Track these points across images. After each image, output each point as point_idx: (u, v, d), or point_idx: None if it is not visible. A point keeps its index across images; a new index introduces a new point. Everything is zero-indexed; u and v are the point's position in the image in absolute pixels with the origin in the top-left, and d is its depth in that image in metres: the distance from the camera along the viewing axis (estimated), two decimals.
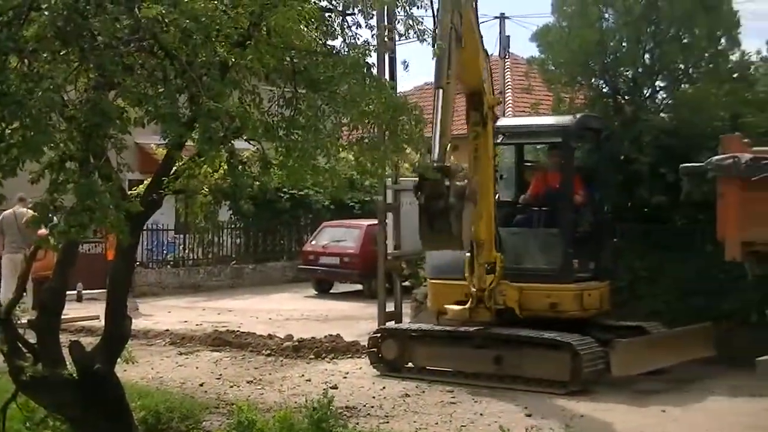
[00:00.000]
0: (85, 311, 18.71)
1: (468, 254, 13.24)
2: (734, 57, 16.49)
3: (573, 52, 15.66)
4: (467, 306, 13.35)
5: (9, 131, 6.29)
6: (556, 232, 13.73)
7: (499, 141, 13.91)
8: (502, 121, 14.62)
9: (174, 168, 7.82)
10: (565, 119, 14.57)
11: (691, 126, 14.87)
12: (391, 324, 15.75)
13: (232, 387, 13.15)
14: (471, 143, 13.13)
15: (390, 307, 16.53)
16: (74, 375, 8.18)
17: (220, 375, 13.98)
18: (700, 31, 15.41)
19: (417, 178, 11.66)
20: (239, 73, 7.27)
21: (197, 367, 14.56)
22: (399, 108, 8.62)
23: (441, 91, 11.53)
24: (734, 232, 10.37)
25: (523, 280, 13.40)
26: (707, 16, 15.35)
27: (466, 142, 13.24)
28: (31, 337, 8.40)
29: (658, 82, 16.55)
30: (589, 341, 12.75)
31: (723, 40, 15.84)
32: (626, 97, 16.09)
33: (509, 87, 36.49)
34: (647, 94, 16.39)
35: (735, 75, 16.18)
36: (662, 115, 16.27)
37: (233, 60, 6.97)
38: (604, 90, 16.35)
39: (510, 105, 35.37)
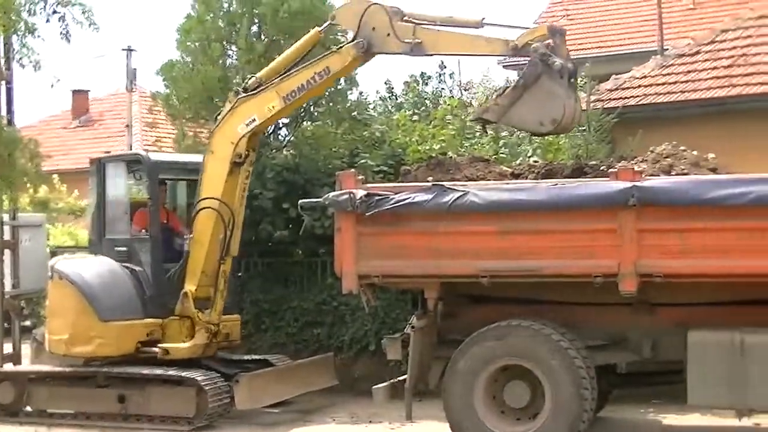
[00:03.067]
0: None
1: (190, 289, 13.07)
2: (353, 96, 17.13)
3: (197, 88, 15.71)
4: (200, 342, 13.10)
5: None
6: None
7: (164, 177, 13.82)
8: (159, 156, 14.43)
9: None
10: None
11: (311, 162, 15.30)
12: (8, 366, 15.07)
13: None
14: (242, 183, 13.06)
15: (8, 348, 15.82)
16: None
17: None
18: None
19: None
20: None
21: None
22: (13, 142, 8.35)
23: None
24: (350, 266, 10.75)
25: None
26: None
27: None
28: None
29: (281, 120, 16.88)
30: (213, 376, 12.75)
31: (342, 80, 16.40)
32: None
33: (137, 120, 36.11)
34: (270, 131, 16.69)
35: (353, 114, 16.79)
36: (285, 151, 16.63)
37: None
38: None
39: (138, 139, 35.02)
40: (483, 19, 11.98)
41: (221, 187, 12.89)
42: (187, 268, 13.15)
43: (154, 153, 14.76)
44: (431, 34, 11.88)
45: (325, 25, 12.74)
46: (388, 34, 11.89)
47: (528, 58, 11.15)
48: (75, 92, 43.51)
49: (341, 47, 12.40)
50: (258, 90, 12.67)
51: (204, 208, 12.93)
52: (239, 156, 12.77)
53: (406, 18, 11.96)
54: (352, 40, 12.13)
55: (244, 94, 12.71)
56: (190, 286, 13.12)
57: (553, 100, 11.00)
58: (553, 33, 11.26)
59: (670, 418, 12.41)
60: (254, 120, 12.66)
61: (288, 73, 12.62)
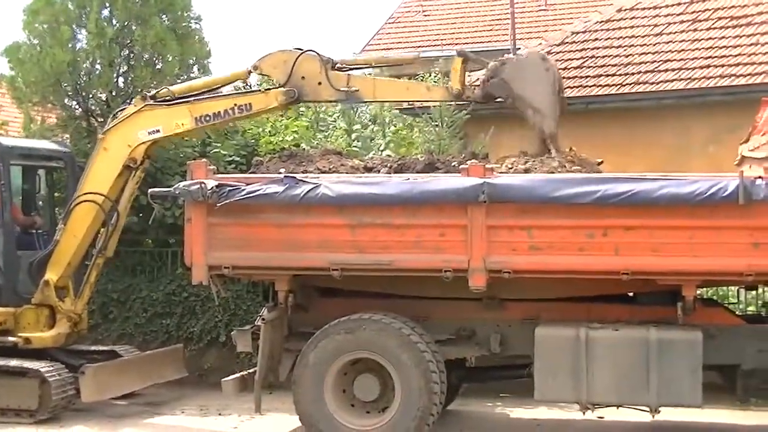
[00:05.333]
0: None
1: (51, 277, 12.74)
2: None
3: (44, 72, 15.28)
4: (63, 331, 12.90)
5: None
6: None
7: (14, 163, 13.41)
8: (10, 141, 13.95)
9: None
10: (59, 144, 14.45)
11: (162, 150, 15.07)
12: None
13: None
14: (132, 187, 12.80)
15: None
16: None
17: None
18: (173, 57, 15.69)
19: None
20: None
21: None
22: None
23: None
24: (201, 256, 10.64)
25: None
26: (179, 43, 15.68)
27: None
28: None
29: None
30: (58, 367, 12.46)
31: (195, 68, 16.25)
32: (99, 120, 15.98)
33: None
34: None
35: None
36: None
37: None
38: (77, 111, 16.14)
39: None
40: (418, 55, 12.66)
41: (108, 185, 12.56)
42: (52, 257, 12.85)
43: (4, 138, 14.29)
44: (368, 82, 11.92)
45: (248, 74, 12.35)
46: (320, 83, 11.69)
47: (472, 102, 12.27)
48: None
49: (269, 89, 12.15)
50: (170, 102, 12.34)
51: (86, 201, 12.60)
52: (134, 161, 12.45)
53: (338, 65, 11.86)
54: (282, 86, 11.86)
55: (153, 102, 12.37)
56: (52, 275, 12.83)
57: (522, 61, 11.52)
58: (464, 55, 11.85)
59: (518, 412, 12.66)
60: (158, 131, 12.28)
61: (206, 96, 12.37)
